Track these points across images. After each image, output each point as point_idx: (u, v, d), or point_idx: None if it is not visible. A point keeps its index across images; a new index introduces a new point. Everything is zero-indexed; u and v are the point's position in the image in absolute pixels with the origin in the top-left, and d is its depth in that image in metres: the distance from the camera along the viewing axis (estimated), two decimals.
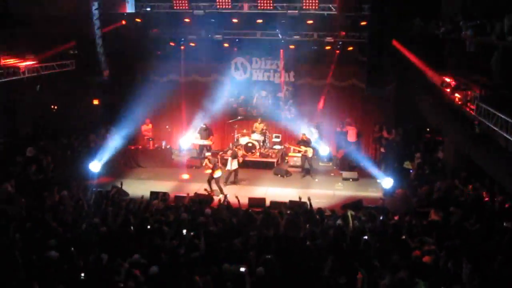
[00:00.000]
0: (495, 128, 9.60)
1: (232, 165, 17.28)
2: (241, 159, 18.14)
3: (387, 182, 16.02)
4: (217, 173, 16.47)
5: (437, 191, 13.96)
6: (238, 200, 12.94)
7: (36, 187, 14.70)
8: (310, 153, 18.25)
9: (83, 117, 19.98)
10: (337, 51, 19.28)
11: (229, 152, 18.21)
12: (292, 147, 18.98)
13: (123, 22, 18.51)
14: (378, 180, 16.77)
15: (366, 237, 10.41)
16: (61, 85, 18.53)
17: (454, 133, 14.37)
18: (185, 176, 18.23)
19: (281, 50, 20.11)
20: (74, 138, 18.79)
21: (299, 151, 18.49)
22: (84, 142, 18.92)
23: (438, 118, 15.50)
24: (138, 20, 18.68)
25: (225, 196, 13.66)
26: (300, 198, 13.23)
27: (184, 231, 10.57)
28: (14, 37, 16.53)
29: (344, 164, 18.83)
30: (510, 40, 9.61)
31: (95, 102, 20.70)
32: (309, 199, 12.83)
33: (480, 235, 10.43)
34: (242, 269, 8.37)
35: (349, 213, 11.94)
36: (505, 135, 9.13)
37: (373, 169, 17.26)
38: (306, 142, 18.29)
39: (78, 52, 18.29)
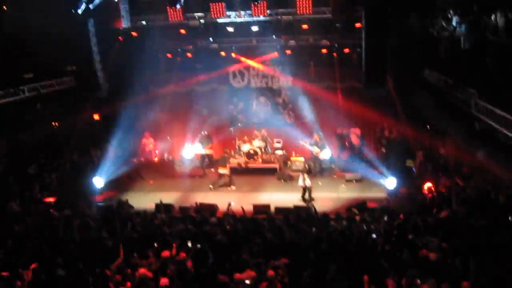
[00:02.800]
0: (494, 124, 9.65)
1: (306, 181, 16.40)
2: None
3: (390, 181, 16.04)
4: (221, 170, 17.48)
5: (441, 187, 14.00)
6: (243, 209, 13.02)
7: (40, 205, 14.76)
8: (322, 155, 18.29)
9: (84, 133, 20.03)
10: (334, 54, 19.35)
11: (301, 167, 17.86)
12: (306, 144, 18.78)
13: (120, 38, 18.59)
14: (381, 181, 16.77)
15: (374, 235, 10.45)
16: (61, 102, 18.61)
17: (455, 130, 14.42)
18: None
19: (277, 53, 20.22)
20: (76, 153, 18.84)
21: (314, 153, 18.49)
22: (87, 157, 18.98)
23: (438, 115, 15.57)
24: (134, 34, 18.77)
25: (229, 204, 13.67)
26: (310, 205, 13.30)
27: (190, 243, 10.59)
28: (11, 57, 16.62)
29: (348, 166, 18.81)
30: (504, 37, 9.66)
31: (96, 117, 20.76)
32: (312, 204, 12.96)
33: (487, 231, 10.45)
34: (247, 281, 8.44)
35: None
36: (504, 131, 9.18)
37: (376, 170, 17.26)
38: (319, 144, 18.33)
39: (77, 68, 18.39)
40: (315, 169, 18.59)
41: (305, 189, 16.15)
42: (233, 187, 17.47)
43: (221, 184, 17.59)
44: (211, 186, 17.52)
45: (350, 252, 9.74)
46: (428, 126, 18.29)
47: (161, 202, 14.34)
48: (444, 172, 15.19)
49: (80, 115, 19.89)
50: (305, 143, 18.61)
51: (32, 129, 18.46)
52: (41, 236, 11.41)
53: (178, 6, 14.99)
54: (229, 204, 13.59)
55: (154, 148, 20.71)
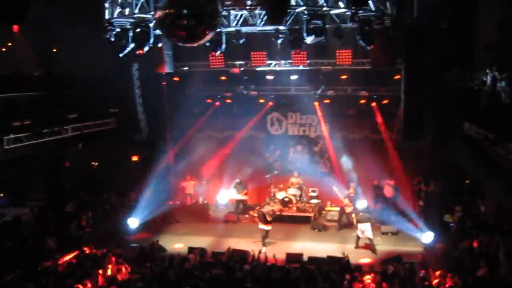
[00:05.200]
0: None
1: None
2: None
3: (427, 236, 15.69)
4: (261, 226, 16.57)
5: (479, 245, 13.60)
6: (275, 258, 12.89)
7: (76, 242, 14.97)
8: (349, 209, 18.03)
9: (123, 173, 20.38)
10: (372, 105, 19.36)
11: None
12: (338, 192, 18.53)
13: (163, 83, 19.09)
14: (418, 234, 16.41)
15: None
16: (102, 143, 19.07)
17: (495, 186, 14.11)
18: None
19: (317, 104, 20.27)
20: (113, 194, 19.13)
21: (342, 204, 18.21)
22: (124, 197, 19.24)
23: (477, 170, 15.28)
24: (176, 79, 19.27)
25: (260, 252, 13.56)
26: (343, 255, 13.07)
27: None
28: (58, 98, 17.24)
29: (384, 218, 18.46)
30: None
31: (135, 158, 21.14)
32: (346, 256, 12.78)
33: None
34: None
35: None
36: None
37: (412, 223, 16.91)
38: (351, 198, 18.12)
39: (119, 111, 18.90)
40: (342, 220, 18.35)
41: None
42: (267, 241, 16.70)
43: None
44: (264, 248, 15.82)
45: None
46: (467, 181, 17.93)
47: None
48: (483, 229, 14.78)
49: (120, 156, 20.29)
50: (338, 191, 18.34)
51: (73, 168, 18.90)
52: (73, 274, 11.54)
53: (218, 52, 15.33)
54: (260, 252, 13.50)
55: (193, 191, 20.84)
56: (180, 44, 11.82)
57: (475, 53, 15.58)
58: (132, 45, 14.40)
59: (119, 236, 16.65)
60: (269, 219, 16.58)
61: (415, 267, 12.83)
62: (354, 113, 20.20)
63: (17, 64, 16.37)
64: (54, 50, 18.57)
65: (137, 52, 14.69)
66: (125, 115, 18.24)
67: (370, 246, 15.98)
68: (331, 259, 13.96)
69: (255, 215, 17.21)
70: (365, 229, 16.00)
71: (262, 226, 16.58)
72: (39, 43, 17.37)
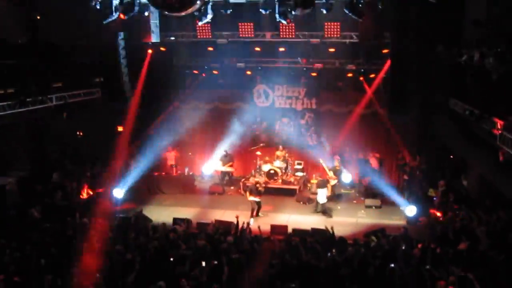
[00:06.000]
0: None
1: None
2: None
3: (410, 210, 15.87)
4: (252, 198, 16.76)
5: (461, 219, 13.79)
6: (259, 229, 12.97)
7: (61, 212, 14.91)
8: (333, 182, 18.11)
9: (108, 144, 20.23)
10: (360, 78, 19.32)
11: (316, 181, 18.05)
12: (324, 165, 18.72)
13: (150, 51, 18.83)
14: (401, 208, 16.59)
15: (392, 265, 10.34)
16: (87, 112, 18.88)
17: (478, 161, 14.26)
18: None
19: (303, 77, 20.22)
20: (98, 164, 19.03)
21: (327, 177, 18.28)
22: (109, 168, 19.13)
23: (461, 145, 15.41)
24: (162, 49, 19.03)
25: (248, 224, 13.63)
26: (326, 228, 13.18)
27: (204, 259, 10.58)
28: (42, 66, 16.95)
29: (368, 192, 18.61)
30: None
31: (120, 129, 20.98)
32: (332, 228, 12.85)
33: (506, 265, 10.26)
34: None
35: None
36: None
37: (396, 197, 17.08)
38: (337, 172, 18.19)
39: (104, 80, 18.66)
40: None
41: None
42: (260, 214, 17.04)
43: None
44: (251, 219, 16.16)
45: (368, 279, 9.64)
46: (451, 156, 18.09)
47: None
48: (465, 204, 14.97)
49: (104, 126, 20.11)
50: (324, 164, 18.45)
51: (57, 137, 18.72)
52: (57, 244, 11.52)
53: (203, 21, 15.09)
54: (248, 224, 13.56)
55: (175, 161, 20.79)
56: (166, 13, 11.63)
57: (464, 28, 15.53)
58: (116, 14, 14.12)
59: (104, 206, 16.60)
60: (261, 189, 16.97)
61: (398, 240, 12.96)
62: (341, 86, 20.14)
63: (0, 31, 16.01)
64: (38, 17, 18.18)
65: (119, 17, 14.35)
66: (111, 84, 18.01)
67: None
68: (315, 231, 14.08)
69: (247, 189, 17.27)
70: (320, 194, 16.92)
71: (253, 198, 16.68)
72: (23, 10, 16.99)
